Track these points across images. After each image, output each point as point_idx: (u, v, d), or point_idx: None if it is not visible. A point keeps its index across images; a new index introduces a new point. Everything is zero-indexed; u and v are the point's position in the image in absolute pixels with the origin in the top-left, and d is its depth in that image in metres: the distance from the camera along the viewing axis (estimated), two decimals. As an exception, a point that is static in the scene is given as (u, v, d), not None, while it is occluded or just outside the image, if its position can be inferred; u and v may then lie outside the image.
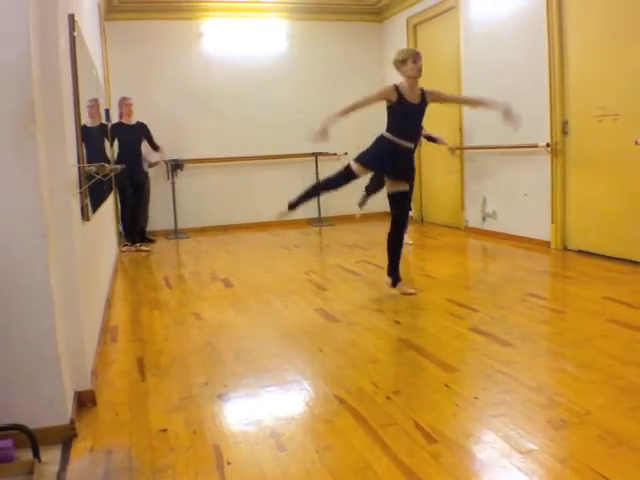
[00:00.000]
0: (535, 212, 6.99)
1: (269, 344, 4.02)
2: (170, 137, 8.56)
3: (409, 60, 4.80)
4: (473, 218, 8.14)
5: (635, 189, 5.71)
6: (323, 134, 4.83)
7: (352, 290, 5.37)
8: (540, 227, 6.90)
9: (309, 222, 10.04)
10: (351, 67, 10.40)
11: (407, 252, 6.92)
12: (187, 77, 9.51)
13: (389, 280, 5.16)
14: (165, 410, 2.99)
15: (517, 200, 7.31)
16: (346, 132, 10.23)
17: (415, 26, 9.50)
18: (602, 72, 6.00)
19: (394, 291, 5.08)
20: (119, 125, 7.99)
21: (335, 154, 10.12)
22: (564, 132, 6.55)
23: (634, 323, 4.01)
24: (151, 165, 8.66)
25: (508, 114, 4.87)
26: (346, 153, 10.22)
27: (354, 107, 4.92)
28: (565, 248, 6.69)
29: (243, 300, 5.18)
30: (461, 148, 8.26)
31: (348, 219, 10.10)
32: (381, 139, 4.97)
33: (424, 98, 4.93)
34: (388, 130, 4.96)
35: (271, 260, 7.08)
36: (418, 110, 4.96)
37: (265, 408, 2.98)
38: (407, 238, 7.05)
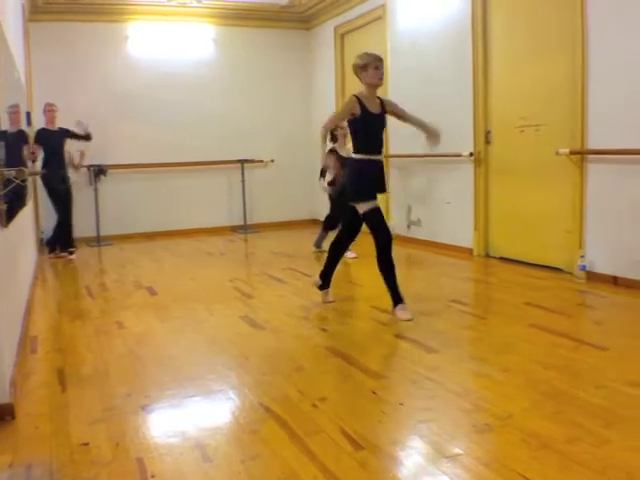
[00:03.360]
0: (459, 220, 7.11)
1: (194, 353, 3.95)
2: (94, 142, 8.32)
3: (370, 66, 4.50)
4: (398, 225, 8.22)
5: (554, 198, 5.88)
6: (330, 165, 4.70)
7: (278, 297, 5.34)
8: (463, 234, 7.03)
9: (234, 229, 9.97)
10: (278, 74, 10.39)
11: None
12: (112, 81, 9.30)
13: (319, 282, 5.05)
14: (87, 422, 2.89)
15: (441, 208, 7.43)
16: (272, 139, 10.27)
17: (343, 35, 9.57)
18: (524, 84, 6.16)
19: (318, 293, 5.05)
20: (44, 131, 7.76)
21: (261, 161, 10.10)
22: (487, 142, 6.70)
23: (554, 327, 4.12)
24: (76, 167, 8.32)
25: (432, 137, 4.77)
26: (272, 160, 10.24)
27: (325, 130, 4.72)
28: (487, 255, 6.83)
29: (167, 308, 5.08)
30: (386, 156, 8.33)
31: (274, 226, 10.09)
32: (354, 164, 4.64)
33: (383, 107, 4.65)
34: (356, 150, 4.62)
35: (196, 267, 6.98)
36: (380, 120, 4.65)
37: (190, 418, 2.92)
38: (351, 253, 7.06)
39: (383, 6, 8.24)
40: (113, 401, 3.14)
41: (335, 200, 7.17)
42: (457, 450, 2.50)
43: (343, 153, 6.88)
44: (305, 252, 7.80)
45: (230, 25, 9.96)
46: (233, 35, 10.02)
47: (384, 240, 4.60)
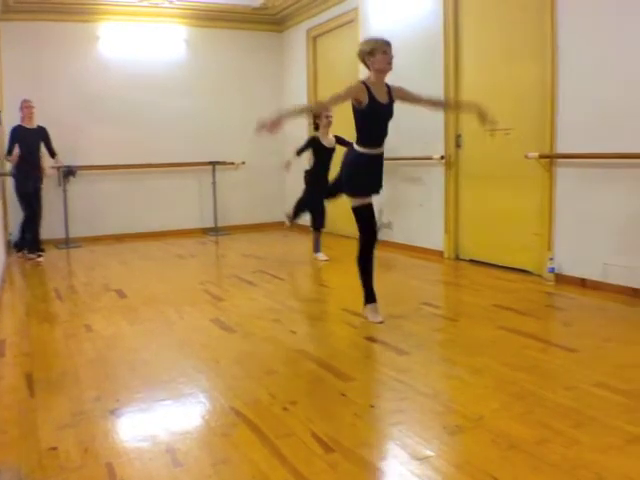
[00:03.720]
0: (429, 223, 7.15)
1: (164, 356, 3.91)
2: (63, 142, 8.23)
3: (377, 51, 4.22)
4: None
5: (524, 201, 5.93)
6: (276, 125, 4.14)
7: (248, 300, 5.32)
8: (434, 237, 7.07)
9: (205, 231, 9.92)
10: (250, 76, 10.36)
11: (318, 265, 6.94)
12: (82, 81, 9.19)
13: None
14: (55, 427, 2.84)
15: (412, 211, 7.47)
16: (243, 141, 10.23)
17: (315, 38, 9.58)
18: (495, 88, 6.21)
19: (289, 295, 5.04)
20: (20, 128, 7.59)
21: (232, 163, 10.07)
22: (457, 145, 6.75)
23: (523, 329, 4.15)
24: (46, 174, 8.18)
25: (483, 116, 4.50)
26: (244, 162, 10.21)
27: (319, 106, 4.48)
28: (458, 258, 6.88)
29: (137, 311, 5.03)
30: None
31: (245, 228, 10.06)
32: (355, 157, 4.39)
33: (391, 96, 4.36)
34: (359, 142, 4.36)
35: (166, 270, 6.93)
36: (388, 111, 4.36)
37: (160, 423, 2.88)
38: (323, 255, 7.05)
39: (356, 9, 8.26)
40: (82, 405, 3.10)
41: (308, 185, 7.14)
42: (428, 452, 2.50)
43: (325, 143, 6.86)
44: (276, 254, 7.80)
45: (202, 26, 9.90)
46: (205, 36, 9.98)
47: (369, 239, 4.48)
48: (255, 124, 4.13)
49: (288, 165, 7.14)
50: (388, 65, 4.26)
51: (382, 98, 4.29)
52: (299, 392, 3.25)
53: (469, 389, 3.18)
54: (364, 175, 4.41)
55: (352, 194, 4.44)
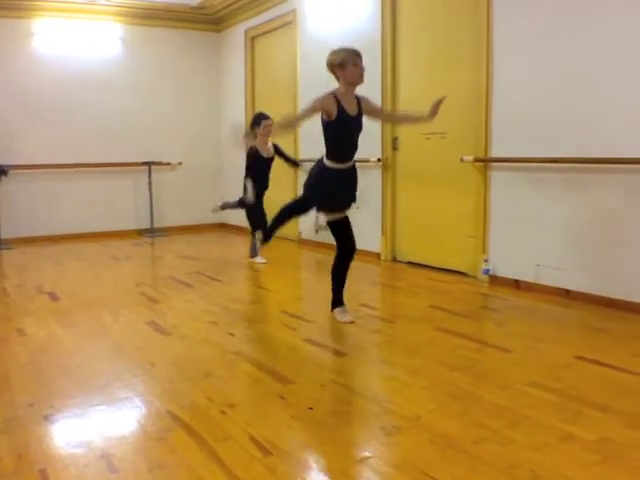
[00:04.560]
0: (367, 225, 7.18)
1: (98, 360, 3.82)
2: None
3: (349, 64, 4.10)
4: (306, 230, 8.24)
5: (459, 203, 6.03)
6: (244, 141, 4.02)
7: (185, 302, 5.25)
8: (371, 239, 7.10)
9: (141, 233, 9.77)
10: (187, 76, 10.25)
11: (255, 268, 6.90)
12: (16, 78, 8.92)
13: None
14: (-15, 434, 2.76)
15: (350, 213, 7.47)
16: (180, 141, 10.14)
17: (253, 38, 9.53)
18: (431, 92, 6.24)
19: (226, 297, 5.00)
20: None
21: (169, 164, 9.95)
22: (394, 148, 6.81)
23: (458, 330, 4.21)
24: None
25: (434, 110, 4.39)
26: (180, 163, 10.10)
27: (291, 123, 4.31)
28: (395, 259, 6.94)
29: (71, 314, 4.91)
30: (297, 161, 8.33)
31: (182, 230, 9.96)
32: (324, 172, 4.27)
33: (360, 107, 4.26)
34: (329, 156, 4.22)
35: (101, 272, 6.79)
36: (358, 123, 4.27)
37: (95, 428, 2.81)
38: (261, 258, 7.00)
39: (294, 11, 8.26)
40: (15, 411, 3.00)
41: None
42: (366, 453, 2.51)
43: (264, 153, 6.72)
44: (213, 256, 7.73)
45: (139, 24, 9.75)
46: (142, 34, 9.82)
47: (348, 251, 4.51)
48: (231, 137, 4.09)
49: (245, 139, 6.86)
50: (360, 78, 4.16)
51: (352, 110, 4.19)
52: (237, 395, 3.22)
53: (406, 390, 3.20)
54: (335, 191, 4.30)
55: (324, 210, 4.43)
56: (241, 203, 7.08)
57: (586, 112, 4.81)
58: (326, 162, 4.24)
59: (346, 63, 4.11)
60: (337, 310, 4.56)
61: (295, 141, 8.29)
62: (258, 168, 6.75)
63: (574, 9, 4.84)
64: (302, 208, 4.75)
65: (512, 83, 5.37)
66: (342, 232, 4.47)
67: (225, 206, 7.66)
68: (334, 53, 4.18)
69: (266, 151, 6.74)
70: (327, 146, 4.25)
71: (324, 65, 4.24)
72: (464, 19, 5.88)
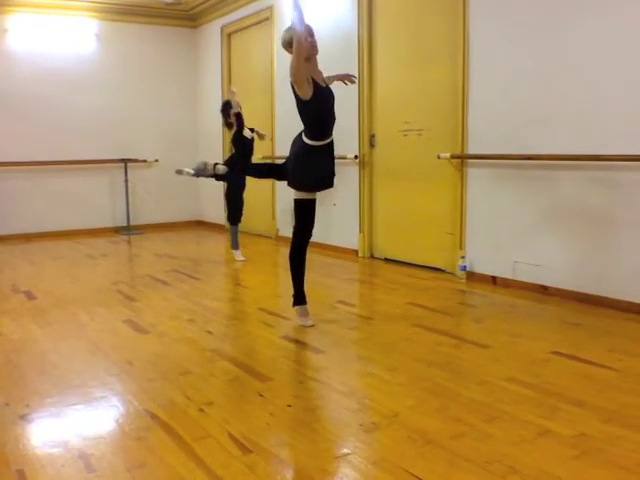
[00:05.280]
0: (344, 222, 7.19)
1: (75, 359, 3.79)
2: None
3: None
4: (284, 227, 8.23)
5: (436, 200, 6.05)
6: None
7: (162, 300, 5.22)
8: (349, 236, 7.11)
9: (117, 230, 9.69)
10: (164, 72, 10.18)
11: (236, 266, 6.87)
12: (-12, 75, 8.84)
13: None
14: (-42, 434, 2.72)
15: (327, 210, 7.49)
16: (157, 138, 10.06)
17: (229, 35, 9.49)
18: (408, 90, 6.31)
19: (204, 295, 4.97)
20: None
21: (145, 161, 9.88)
22: (371, 145, 6.82)
23: (436, 326, 4.23)
24: None
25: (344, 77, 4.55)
26: (157, 160, 10.03)
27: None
28: (372, 256, 6.95)
29: (47, 313, 4.86)
30: (272, 157, 8.31)
31: (158, 227, 9.90)
32: (306, 152, 4.16)
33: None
34: (310, 135, 4.13)
35: (77, 270, 6.73)
36: (331, 92, 4.25)
37: (72, 428, 2.79)
38: (240, 255, 6.97)
39: (271, 7, 8.23)
40: (-12, 411, 2.97)
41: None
42: (345, 450, 2.51)
43: (248, 135, 6.83)
44: (191, 254, 7.70)
45: (114, 20, 9.66)
46: (117, 31, 9.73)
47: (305, 234, 4.39)
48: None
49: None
50: (314, 49, 4.11)
51: (322, 81, 4.20)
52: (215, 393, 3.21)
53: (385, 386, 3.21)
54: (316, 170, 4.21)
55: (300, 188, 4.26)
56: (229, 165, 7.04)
57: (560, 110, 4.85)
58: (310, 142, 4.14)
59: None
60: (298, 309, 4.42)
61: (272, 139, 8.26)
62: (244, 151, 6.80)
63: (548, 9, 4.88)
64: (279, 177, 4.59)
65: (488, 80, 5.39)
66: (309, 215, 4.37)
67: (199, 173, 7.47)
68: (286, 31, 4.16)
69: (247, 134, 6.84)
70: (308, 126, 4.15)
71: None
72: (441, 17, 5.90)
